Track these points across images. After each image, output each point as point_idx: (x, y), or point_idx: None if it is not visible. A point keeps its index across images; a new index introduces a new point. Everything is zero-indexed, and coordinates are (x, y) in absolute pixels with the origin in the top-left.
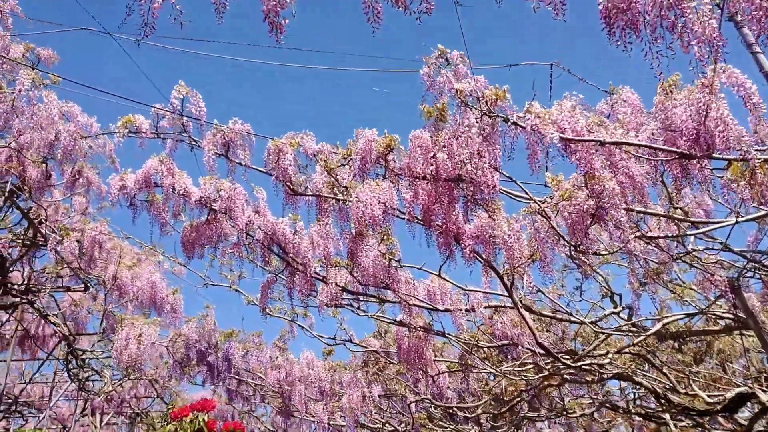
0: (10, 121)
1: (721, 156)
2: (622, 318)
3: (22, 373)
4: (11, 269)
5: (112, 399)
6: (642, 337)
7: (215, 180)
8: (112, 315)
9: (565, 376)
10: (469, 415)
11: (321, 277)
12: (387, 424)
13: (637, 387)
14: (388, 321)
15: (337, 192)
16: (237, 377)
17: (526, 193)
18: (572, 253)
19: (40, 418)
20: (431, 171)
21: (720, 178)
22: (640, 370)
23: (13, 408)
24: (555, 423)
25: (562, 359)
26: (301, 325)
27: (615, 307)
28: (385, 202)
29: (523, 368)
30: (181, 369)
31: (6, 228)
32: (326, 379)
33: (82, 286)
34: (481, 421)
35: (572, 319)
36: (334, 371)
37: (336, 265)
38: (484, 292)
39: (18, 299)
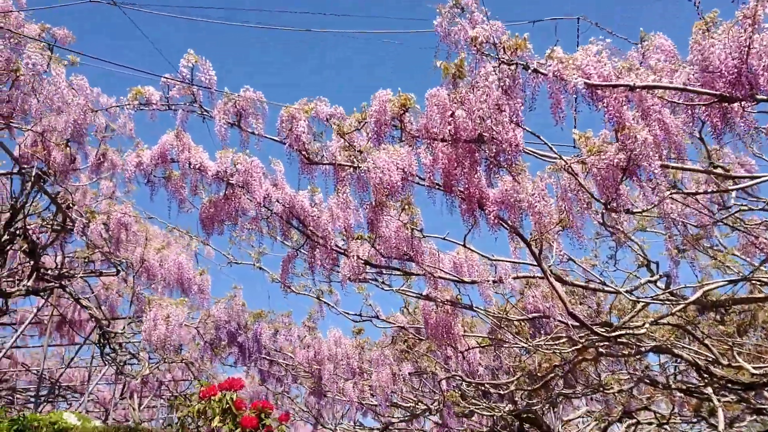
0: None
1: (766, 98)
2: (659, 287)
3: (63, 358)
4: (42, 254)
5: (149, 382)
6: (681, 306)
7: (232, 153)
8: (141, 297)
9: (601, 349)
10: (502, 392)
11: (342, 251)
12: (420, 403)
13: (678, 360)
14: (414, 295)
15: (354, 159)
16: (268, 358)
17: (552, 150)
18: (604, 219)
19: (80, 401)
20: (450, 131)
21: (764, 131)
22: (679, 342)
23: (57, 392)
24: (592, 400)
25: (597, 331)
26: (326, 302)
27: (652, 276)
28: (403, 168)
29: (557, 342)
30: (212, 350)
31: (35, 213)
32: (354, 357)
33: (114, 270)
34: (516, 398)
35: (606, 288)
36: (362, 349)
37: (359, 238)
38: (512, 262)
39: (50, 284)
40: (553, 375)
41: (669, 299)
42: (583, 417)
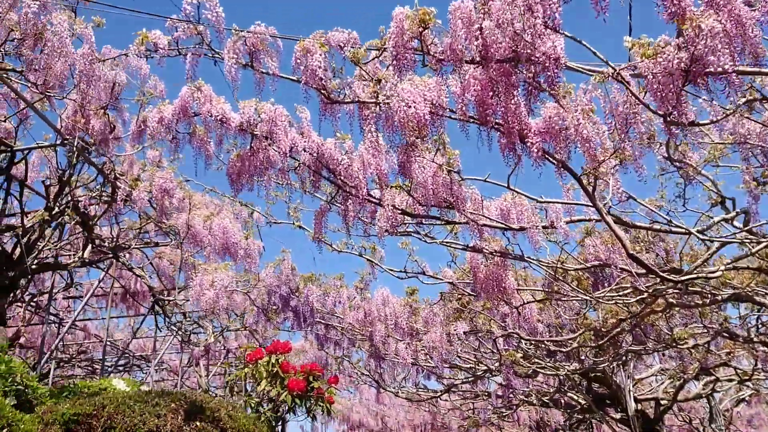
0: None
1: None
2: (736, 226)
3: (133, 328)
4: (95, 226)
5: (211, 350)
6: (762, 245)
7: (255, 103)
8: (189, 265)
9: (671, 300)
10: (563, 350)
11: (376, 201)
12: (480, 364)
13: (761, 310)
14: (460, 247)
15: (377, 94)
16: (323, 322)
17: (598, 57)
18: (669, 152)
19: (151, 370)
20: (478, 47)
21: None
22: (762, 289)
23: (131, 362)
24: (665, 356)
25: (664, 276)
26: (370, 260)
27: (727, 214)
28: (431, 100)
29: (621, 293)
30: (265, 315)
31: (84, 185)
32: (402, 316)
33: (169, 240)
34: (582, 357)
35: (674, 229)
36: (410, 308)
37: (397, 187)
38: (563, 203)
39: (105, 255)
40: (619, 330)
41: (748, 239)
42: (656, 375)
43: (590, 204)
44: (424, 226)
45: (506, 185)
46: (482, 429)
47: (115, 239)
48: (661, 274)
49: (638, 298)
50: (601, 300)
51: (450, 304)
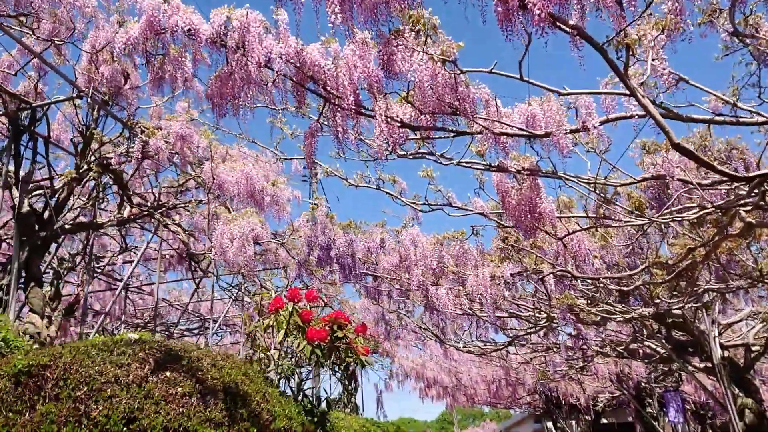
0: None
1: None
2: None
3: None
4: (136, 185)
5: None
6: None
7: (228, 10)
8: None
9: (749, 219)
10: (626, 289)
11: (369, 112)
12: (538, 311)
13: None
14: (481, 167)
15: None
16: (371, 273)
17: None
18: (734, 24)
19: (210, 331)
20: None
21: None
22: None
23: (205, 325)
24: (755, 296)
25: (730, 173)
26: (389, 193)
27: None
28: None
29: (687, 213)
30: (306, 270)
31: (109, 141)
32: (432, 257)
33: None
34: (657, 300)
35: (743, 119)
36: (441, 246)
37: (400, 99)
38: (594, 93)
39: (141, 214)
40: (690, 263)
41: None
42: (746, 319)
43: (627, 92)
44: (437, 146)
45: (518, 76)
46: (562, 383)
47: (157, 198)
48: (726, 170)
49: (703, 213)
50: (662, 222)
51: (495, 243)
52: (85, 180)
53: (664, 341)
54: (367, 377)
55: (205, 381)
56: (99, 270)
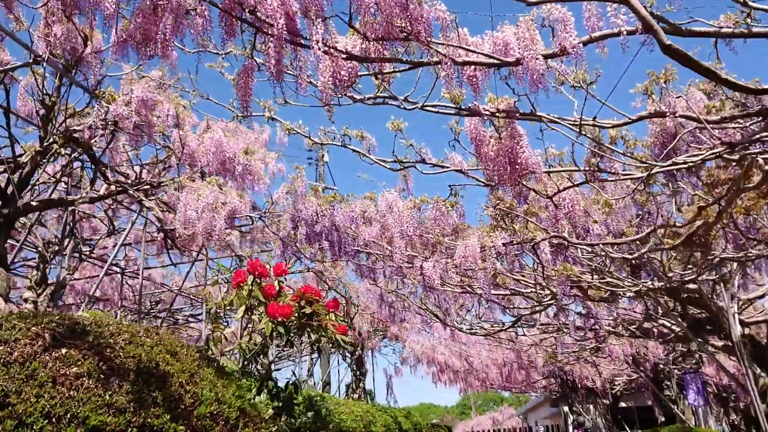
0: None
1: None
2: None
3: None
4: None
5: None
6: None
7: None
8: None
9: (766, 166)
10: (628, 257)
11: (303, 42)
12: (541, 287)
13: None
14: (450, 112)
15: None
16: (362, 250)
17: None
18: None
19: (203, 316)
20: None
21: None
22: None
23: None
24: None
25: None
26: (356, 150)
27: None
28: None
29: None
30: (290, 247)
31: (76, 113)
32: (409, 223)
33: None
34: (670, 273)
35: (756, 29)
36: (419, 210)
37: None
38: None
39: (116, 191)
40: (702, 223)
41: None
42: None
43: None
44: (401, 91)
45: None
46: (577, 366)
47: (138, 175)
48: (734, 80)
49: (711, 154)
50: (666, 170)
51: (486, 211)
52: (50, 154)
53: (679, 319)
54: (375, 362)
55: (113, 360)
56: (86, 254)
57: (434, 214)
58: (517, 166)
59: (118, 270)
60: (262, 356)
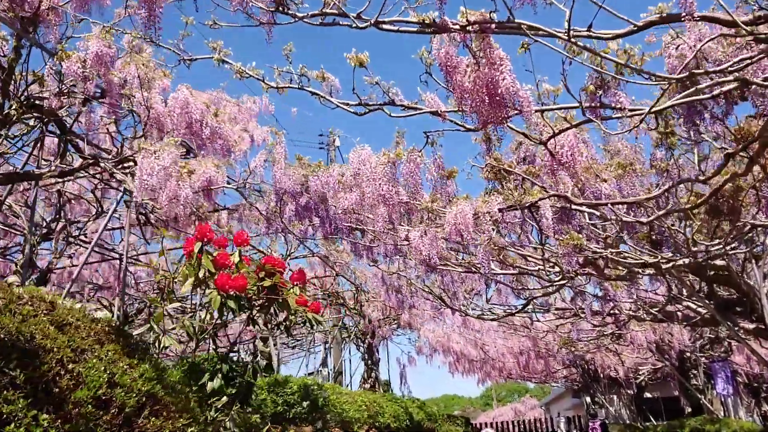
0: None
1: None
2: None
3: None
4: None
5: None
6: None
7: None
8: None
9: None
10: (642, 222)
11: None
12: (549, 263)
13: None
14: (412, 30)
15: None
16: (359, 226)
17: None
18: None
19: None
20: None
21: None
22: None
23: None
24: None
25: None
26: (315, 93)
27: None
28: None
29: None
30: (274, 223)
31: (38, 78)
32: (382, 180)
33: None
34: (695, 248)
35: None
36: (393, 166)
37: None
38: None
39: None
40: (729, 176)
41: None
42: None
43: None
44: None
45: None
46: (598, 355)
47: (120, 150)
48: None
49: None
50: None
51: (482, 173)
52: (10, 122)
53: (705, 300)
54: (389, 352)
55: None
56: (75, 237)
57: (408, 167)
58: (498, 98)
59: (89, 250)
60: (210, 336)
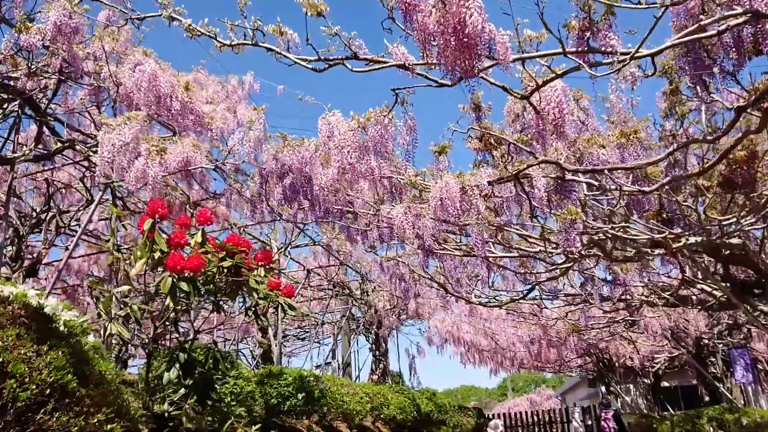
0: None
1: None
2: None
3: None
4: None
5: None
6: None
7: None
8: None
9: None
10: (646, 190)
11: None
12: (551, 244)
13: None
14: None
15: None
16: (350, 208)
17: None
18: None
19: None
20: None
21: None
22: None
23: None
24: None
25: None
26: (270, 49)
27: None
28: None
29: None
30: (259, 206)
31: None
32: (350, 146)
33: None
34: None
35: None
36: (363, 130)
37: None
38: None
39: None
40: (744, 133)
41: None
42: None
43: None
44: None
45: None
46: (612, 343)
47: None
48: None
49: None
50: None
51: (470, 144)
52: None
53: (721, 281)
54: (399, 343)
55: None
56: (65, 227)
57: (377, 131)
58: (467, 42)
59: (75, 241)
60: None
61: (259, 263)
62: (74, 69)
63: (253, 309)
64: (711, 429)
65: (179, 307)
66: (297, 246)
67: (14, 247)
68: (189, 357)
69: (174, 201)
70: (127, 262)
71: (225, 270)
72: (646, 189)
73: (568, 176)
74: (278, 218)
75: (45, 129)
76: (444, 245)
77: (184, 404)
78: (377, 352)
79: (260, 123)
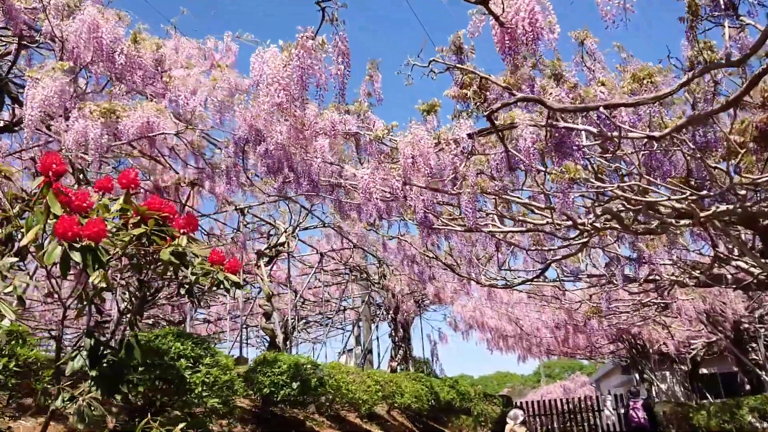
0: None
1: None
2: None
3: None
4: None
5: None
6: None
7: None
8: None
9: None
10: (656, 135)
11: None
12: (555, 212)
13: None
14: None
15: None
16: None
17: None
18: None
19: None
20: None
21: None
22: None
23: None
24: None
25: None
26: None
27: None
28: None
29: None
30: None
31: None
32: (279, 82)
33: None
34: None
35: None
36: (301, 70)
37: None
38: None
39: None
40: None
41: None
42: None
43: None
44: None
45: None
46: (645, 328)
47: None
48: None
49: None
50: None
51: (449, 91)
52: None
53: (759, 257)
54: (422, 329)
55: None
56: None
57: (300, 59)
58: None
59: None
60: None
61: (182, 230)
62: (13, 22)
63: (186, 287)
64: (753, 420)
65: (98, 286)
66: (306, 228)
67: (2, 231)
68: (96, 343)
69: (167, 179)
70: (22, 230)
71: (135, 239)
72: (656, 134)
73: (561, 124)
74: (254, 189)
75: (7, 98)
76: (448, 222)
77: (80, 399)
78: (396, 338)
79: (225, 81)
